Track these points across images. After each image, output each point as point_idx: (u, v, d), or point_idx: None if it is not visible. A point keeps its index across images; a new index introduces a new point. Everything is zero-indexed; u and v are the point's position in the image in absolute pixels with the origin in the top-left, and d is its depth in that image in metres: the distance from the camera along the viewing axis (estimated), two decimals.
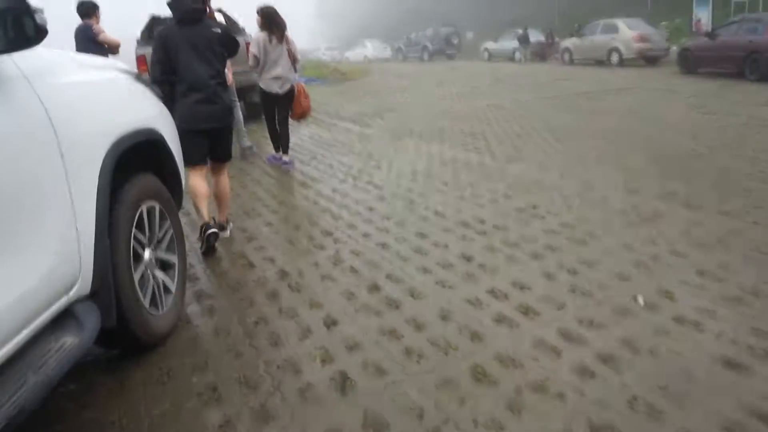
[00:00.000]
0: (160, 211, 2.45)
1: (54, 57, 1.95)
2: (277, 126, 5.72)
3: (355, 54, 37.59)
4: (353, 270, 3.07)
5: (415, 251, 3.27)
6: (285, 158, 5.77)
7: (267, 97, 5.55)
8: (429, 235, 3.52)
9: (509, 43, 24.52)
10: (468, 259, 3.10)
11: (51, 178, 1.64)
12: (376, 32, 46.34)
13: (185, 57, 3.33)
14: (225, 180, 3.71)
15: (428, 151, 6.07)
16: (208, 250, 3.41)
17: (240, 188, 5.03)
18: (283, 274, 3.08)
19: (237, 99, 6.10)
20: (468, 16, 38.18)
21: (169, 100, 3.33)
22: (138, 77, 2.65)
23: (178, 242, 2.62)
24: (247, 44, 6.90)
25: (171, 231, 2.55)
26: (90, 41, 5.91)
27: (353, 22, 64.30)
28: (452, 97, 11.23)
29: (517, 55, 23.44)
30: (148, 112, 2.47)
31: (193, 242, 3.61)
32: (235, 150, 6.16)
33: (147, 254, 2.32)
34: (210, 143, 3.51)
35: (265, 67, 5.38)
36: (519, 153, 5.79)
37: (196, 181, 3.47)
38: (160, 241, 2.48)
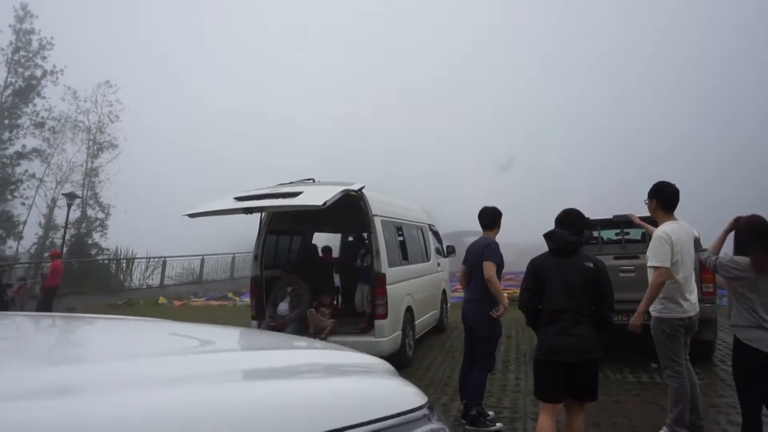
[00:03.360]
0: None
1: None
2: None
3: None
4: None
5: None
6: None
7: (751, 358, 3.43)
8: None
9: None
10: None
11: None
12: None
13: (553, 286, 3.42)
14: (579, 422, 3.43)
15: None
16: None
17: None
18: None
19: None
20: None
21: (533, 327, 3.59)
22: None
23: None
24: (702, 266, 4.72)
25: None
26: None
27: None
28: None
29: None
30: None
31: None
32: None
33: None
34: (567, 379, 3.36)
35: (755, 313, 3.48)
36: None
37: (543, 421, 3.39)
38: None
